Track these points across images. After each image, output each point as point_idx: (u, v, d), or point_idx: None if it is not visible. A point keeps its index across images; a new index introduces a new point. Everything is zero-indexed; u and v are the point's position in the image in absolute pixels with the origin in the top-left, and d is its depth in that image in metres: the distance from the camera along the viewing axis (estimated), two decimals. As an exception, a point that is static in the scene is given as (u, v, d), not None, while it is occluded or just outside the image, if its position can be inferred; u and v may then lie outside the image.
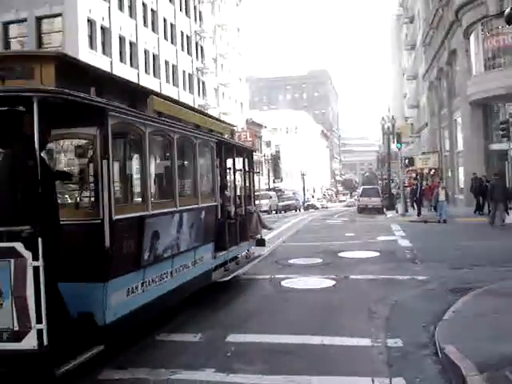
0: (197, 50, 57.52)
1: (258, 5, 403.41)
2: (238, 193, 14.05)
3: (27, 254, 5.32)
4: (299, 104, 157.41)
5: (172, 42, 50.90)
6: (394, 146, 43.17)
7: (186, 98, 52.52)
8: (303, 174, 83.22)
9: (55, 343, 5.42)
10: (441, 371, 6.58)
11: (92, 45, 37.09)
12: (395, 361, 6.99)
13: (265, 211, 43.34)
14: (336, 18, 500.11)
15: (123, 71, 40.33)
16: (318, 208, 73.34)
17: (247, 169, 13.83)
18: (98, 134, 6.72)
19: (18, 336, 5.35)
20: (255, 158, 16.68)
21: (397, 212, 35.99)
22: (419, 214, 31.29)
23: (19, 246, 5.34)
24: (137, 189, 7.98)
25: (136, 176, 8.01)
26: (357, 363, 6.97)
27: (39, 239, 5.32)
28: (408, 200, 36.16)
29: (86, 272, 6.38)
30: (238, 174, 13.52)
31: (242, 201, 13.54)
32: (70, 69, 6.58)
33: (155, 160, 9.24)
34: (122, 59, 40.82)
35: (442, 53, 43.98)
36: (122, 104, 7.21)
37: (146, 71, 44.60)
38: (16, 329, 5.35)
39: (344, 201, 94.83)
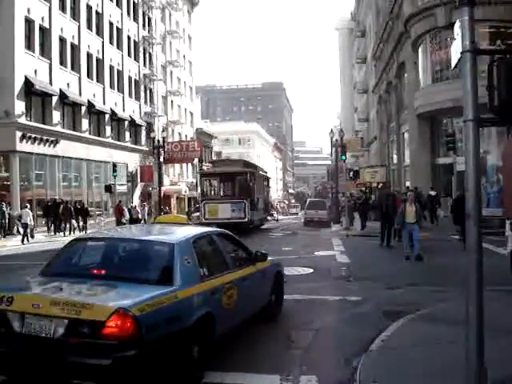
0: (145, 56, 55.78)
1: (212, 14, 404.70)
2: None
3: (246, 202, 30.77)
4: (254, 116, 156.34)
5: (118, 47, 49.13)
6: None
7: (131, 105, 50.84)
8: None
9: (250, 220, 31.09)
10: (356, 422, 5.38)
11: (29, 45, 35.15)
12: (304, 406, 5.77)
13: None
14: (291, 30, 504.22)
15: (62, 75, 38.57)
16: (268, 221, 72.12)
17: (266, 184, 42.94)
18: (253, 177, 33.72)
19: (243, 218, 30.45)
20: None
21: (341, 225, 35.01)
22: (363, 227, 30.14)
23: (245, 200, 30.73)
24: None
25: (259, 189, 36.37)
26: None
27: (248, 199, 31.03)
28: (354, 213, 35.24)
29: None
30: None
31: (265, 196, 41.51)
32: (247, 163, 38.39)
33: (259, 184, 36.37)
34: (62, 62, 38.89)
35: (391, 66, 43.65)
36: (256, 169, 38.06)
37: (88, 75, 42.71)
38: (243, 216, 30.48)
39: (296, 213, 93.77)
